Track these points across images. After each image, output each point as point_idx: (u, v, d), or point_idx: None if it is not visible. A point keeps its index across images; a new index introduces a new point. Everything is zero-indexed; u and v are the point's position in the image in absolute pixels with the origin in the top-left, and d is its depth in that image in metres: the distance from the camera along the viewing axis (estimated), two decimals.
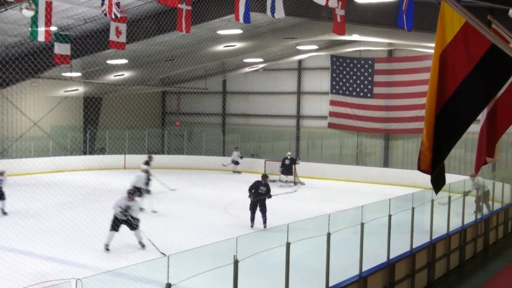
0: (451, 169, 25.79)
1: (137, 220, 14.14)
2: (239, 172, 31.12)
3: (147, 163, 21.83)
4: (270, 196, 16.79)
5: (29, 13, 14.96)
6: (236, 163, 31.66)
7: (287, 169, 26.80)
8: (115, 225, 13.83)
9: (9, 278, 10.67)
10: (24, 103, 30.95)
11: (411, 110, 30.57)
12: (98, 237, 14.17)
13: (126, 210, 13.97)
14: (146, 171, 19.92)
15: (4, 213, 16.79)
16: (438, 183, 4.87)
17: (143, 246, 13.73)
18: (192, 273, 6.43)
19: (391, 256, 10.76)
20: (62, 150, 32.42)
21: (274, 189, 23.69)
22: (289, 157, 26.96)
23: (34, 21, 15.38)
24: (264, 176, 17.28)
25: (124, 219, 13.91)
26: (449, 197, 13.68)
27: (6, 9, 17.16)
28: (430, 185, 4.90)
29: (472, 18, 4.57)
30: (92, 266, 11.72)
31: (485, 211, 16.78)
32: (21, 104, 30.85)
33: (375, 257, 10.57)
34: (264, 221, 16.34)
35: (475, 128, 5.32)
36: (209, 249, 7.26)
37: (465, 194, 15.74)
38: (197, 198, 21.81)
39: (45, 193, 20.25)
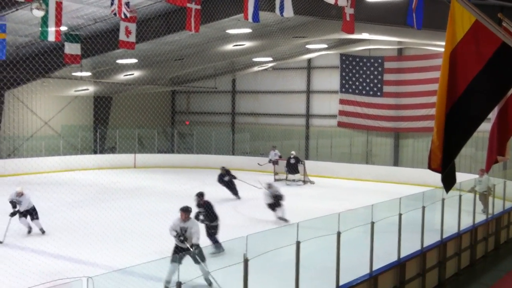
0: (461, 168, 25.65)
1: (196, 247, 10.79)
2: (276, 174, 28.01)
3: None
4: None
5: (39, 13, 15.05)
6: (275, 162, 28.53)
7: (293, 168, 26.80)
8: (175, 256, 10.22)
9: (21, 276, 10.75)
10: (35, 102, 31.14)
11: (421, 108, 30.44)
12: (109, 236, 14.24)
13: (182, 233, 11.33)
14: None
15: (43, 232, 15.65)
16: (448, 182, 4.86)
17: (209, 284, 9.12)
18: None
19: (402, 255, 10.73)
20: (73, 149, 32.59)
21: (281, 188, 23.65)
22: (293, 156, 26.95)
23: (44, 21, 15.47)
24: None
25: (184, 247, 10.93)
26: (460, 196, 13.61)
27: (17, 9, 17.28)
28: (441, 184, 4.88)
29: (482, 16, 4.55)
30: (103, 265, 11.79)
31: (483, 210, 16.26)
32: (31, 104, 31.03)
33: (385, 256, 10.55)
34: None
35: (485, 127, 5.30)
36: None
37: (471, 191, 15.88)
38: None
39: (56, 192, 20.37)
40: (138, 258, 11.36)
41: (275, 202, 17.52)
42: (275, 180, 27.37)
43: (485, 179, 17.46)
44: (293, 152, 27.38)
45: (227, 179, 22.10)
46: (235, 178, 22.17)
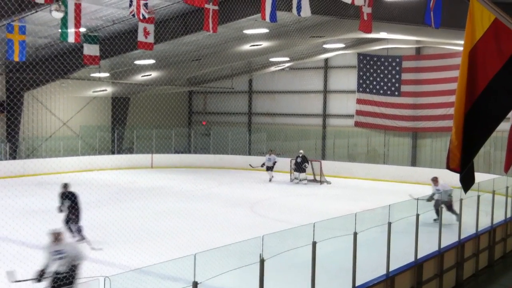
0: (480, 168, 25.39)
1: None
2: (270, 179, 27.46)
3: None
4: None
5: (58, 15, 15.20)
6: (269, 168, 27.54)
7: (299, 166, 26.77)
8: None
9: None
10: (54, 103, 31.45)
11: (439, 108, 30.19)
12: (126, 235, 14.32)
13: None
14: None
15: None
16: (467, 182, 4.80)
17: None
18: (218, 271, 6.46)
19: (419, 256, 10.66)
20: (91, 149, 32.85)
21: (292, 187, 23.68)
22: (301, 155, 26.88)
23: (63, 22, 15.63)
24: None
25: None
26: (478, 196, 13.48)
27: (36, 11, 17.46)
28: (459, 184, 4.83)
29: (502, 15, 4.49)
30: (120, 264, 11.86)
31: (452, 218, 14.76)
32: (50, 105, 31.35)
33: (402, 257, 10.48)
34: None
35: (504, 126, 5.24)
36: (235, 247, 7.28)
37: (429, 199, 15.37)
38: (224, 197, 21.89)
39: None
40: (155, 257, 11.41)
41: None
42: (291, 180, 27.35)
43: (442, 187, 16.11)
44: (301, 151, 27.30)
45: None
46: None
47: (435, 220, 14.49)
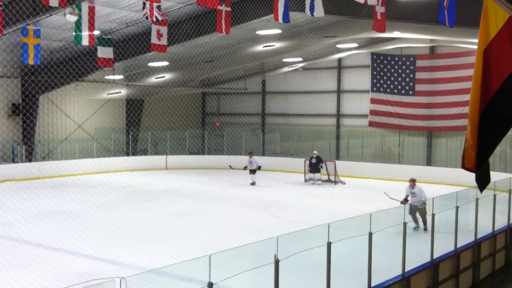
0: (496, 167, 25.17)
1: None
2: (254, 183, 25.85)
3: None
4: None
5: (72, 18, 15.34)
6: (252, 171, 26.10)
7: (314, 167, 26.70)
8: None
9: (56, 276, 10.95)
10: (69, 106, 31.70)
11: (454, 107, 29.99)
12: (141, 236, 14.40)
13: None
14: None
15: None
16: (483, 182, 4.77)
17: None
18: (233, 272, 6.47)
19: (435, 256, 10.59)
20: (106, 151, 33.06)
21: (306, 188, 23.63)
22: (315, 156, 26.82)
23: (78, 25, 15.76)
24: None
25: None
26: (494, 196, 13.36)
27: (51, 15, 17.62)
28: (475, 184, 4.80)
29: None
30: (136, 265, 11.92)
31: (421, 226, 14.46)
32: (65, 107, 31.60)
33: (418, 257, 10.42)
34: None
35: None
36: (250, 248, 7.28)
37: (403, 202, 15.06)
38: (238, 198, 21.92)
39: (90, 193, 20.71)
40: (171, 258, 11.46)
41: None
42: (305, 180, 27.30)
43: (419, 191, 15.43)
44: (315, 152, 27.23)
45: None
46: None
47: (414, 229, 14.14)
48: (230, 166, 28.02)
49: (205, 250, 12.47)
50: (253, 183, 25.71)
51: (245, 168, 26.39)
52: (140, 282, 6.02)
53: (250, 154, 27.07)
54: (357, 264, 9.48)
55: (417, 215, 14.52)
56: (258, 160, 26.53)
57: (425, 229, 13.79)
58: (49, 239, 14.15)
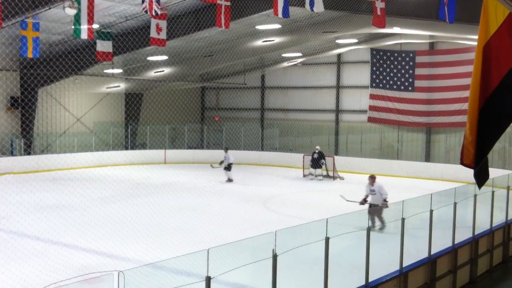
0: (494, 164, 25.20)
1: None
2: (230, 180, 25.23)
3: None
4: None
5: (72, 12, 15.29)
6: (226, 168, 25.36)
7: (316, 162, 26.70)
8: None
9: (54, 269, 10.96)
10: (68, 99, 31.67)
11: (453, 103, 29.99)
12: (140, 230, 14.42)
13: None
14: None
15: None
16: (481, 178, 4.78)
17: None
18: (231, 266, 6.48)
19: (433, 252, 10.61)
20: (105, 145, 33.05)
21: (305, 183, 23.66)
22: (317, 151, 26.82)
23: (77, 19, 15.70)
24: None
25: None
26: (493, 192, 13.38)
27: (50, 8, 17.58)
28: (473, 180, 4.81)
29: None
30: (134, 259, 11.93)
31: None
32: (64, 101, 31.57)
33: (416, 253, 10.44)
34: None
35: None
36: (248, 243, 7.29)
37: (362, 202, 14.59)
38: (236, 193, 21.93)
39: (88, 187, 20.71)
40: (169, 252, 11.47)
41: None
42: (304, 176, 27.31)
43: (378, 188, 14.81)
44: (317, 147, 27.24)
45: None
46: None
47: (381, 229, 12.63)
48: (211, 165, 26.83)
49: (204, 244, 12.50)
50: (229, 180, 25.05)
51: (221, 163, 25.60)
52: (138, 276, 6.03)
53: (226, 149, 26.33)
54: (355, 259, 9.49)
55: (376, 214, 13.38)
56: (231, 156, 25.61)
57: (381, 228, 12.31)
58: (47, 233, 14.16)
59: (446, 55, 30.49)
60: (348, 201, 15.17)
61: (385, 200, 14.55)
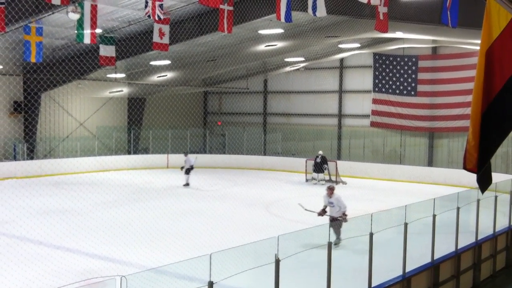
0: (497, 168, 25.15)
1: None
2: (187, 184, 24.79)
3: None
4: None
5: (75, 16, 15.36)
6: (186, 171, 25.09)
7: (319, 167, 26.68)
8: None
9: (57, 274, 10.96)
10: (71, 104, 31.73)
11: (456, 108, 29.96)
12: (142, 235, 14.41)
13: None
14: None
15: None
16: (484, 183, 4.76)
17: None
18: (234, 271, 6.47)
19: (436, 257, 10.58)
20: (107, 150, 33.08)
21: (307, 187, 23.62)
22: (320, 156, 26.81)
23: (80, 24, 15.77)
24: None
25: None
26: (496, 197, 13.35)
27: (53, 13, 17.62)
28: (476, 185, 4.80)
29: None
30: (137, 264, 11.93)
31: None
32: (67, 105, 31.62)
33: (419, 258, 10.41)
34: None
35: None
36: (250, 247, 7.28)
37: (320, 213, 13.70)
38: (239, 197, 21.92)
39: (91, 191, 20.74)
40: (171, 257, 11.46)
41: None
42: (306, 180, 27.28)
43: (336, 200, 13.87)
44: (320, 152, 27.24)
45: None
46: None
47: (335, 244, 11.22)
48: (181, 168, 25.93)
49: (206, 249, 12.48)
50: (186, 184, 24.71)
51: (182, 168, 25.43)
52: (141, 281, 6.03)
53: (185, 153, 26.17)
54: (358, 264, 9.48)
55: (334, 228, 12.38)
56: (192, 159, 25.35)
57: (336, 243, 11.14)
58: (50, 237, 14.17)
59: (448, 60, 30.48)
60: (306, 210, 14.27)
61: (344, 214, 13.60)
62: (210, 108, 41.68)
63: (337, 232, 11.90)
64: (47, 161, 27.65)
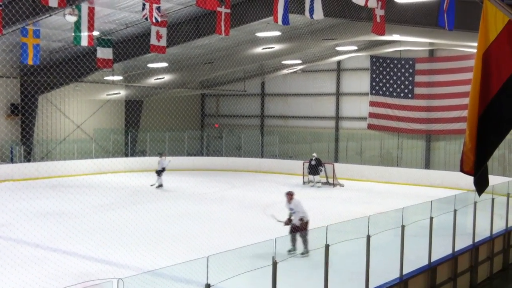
0: (494, 171, 25.19)
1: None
2: (160, 186, 24.82)
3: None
4: None
5: (72, 19, 15.34)
6: (158, 173, 24.98)
7: (314, 169, 26.72)
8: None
9: (53, 277, 10.93)
10: (68, 106, 31.68)
11: (453, 110, 30.02)
12: (139, 237, 14.39)
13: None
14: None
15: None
16: (481, 185, 4.77)
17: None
18: (231, 274, 6.47)
19: (433, 259, 10.59)
20: (105, 152, 33.04)
21: (304, 190, 23.63)
22: (314, 158, 26.83)
23: (77, 26, 15.76)
24: None
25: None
26: (493, 199, 13.37)
27: (50, 15, 17.61)
28: (473, 187, 4.81)
29: None
30: (133, 266, 11.91)
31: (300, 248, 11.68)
32: (64, 108, 31.58)
33: (416, 260, 10.42)
34: None
35: None
36: (248, 250, 7.28)
37: (287, 222, 13.07)
38: (236, 200, 21.91)
39: (88, 194, 20.69)
40: (168, 260, 11.44)
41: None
42: (304, 183, 27.29)
43: (296, 205, 13.25)
44: (314, 154, 27.26)
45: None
46: None
47: (289, 251, 11.38)
48: (156, 171, 25.47)
49: (203, 252, 12.47)
50: (159, 186, 24.66)
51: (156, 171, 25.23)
52: (138, 283, 6.01)
53: (160, 154, 26.05)
54: (355, 267, 9.47)
55: (297, 235, 11.97)
56: (165, 161, 25.25)
57: (304, 252, 10.91)
58: (47, 240, 14.14)
59: (445, 62, 30.54)
60: (278, 221, 13.49)
61: (301, 219, 12.83)
62: (207, 111, 41.67)
63: (304, 241, 11.55)
64: (44, 163, 27.60)
